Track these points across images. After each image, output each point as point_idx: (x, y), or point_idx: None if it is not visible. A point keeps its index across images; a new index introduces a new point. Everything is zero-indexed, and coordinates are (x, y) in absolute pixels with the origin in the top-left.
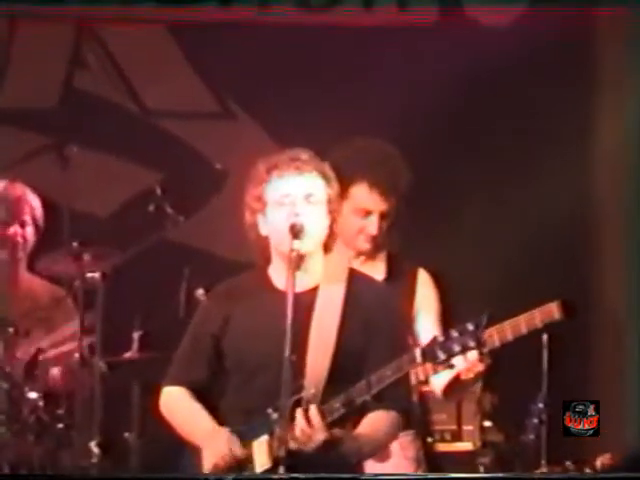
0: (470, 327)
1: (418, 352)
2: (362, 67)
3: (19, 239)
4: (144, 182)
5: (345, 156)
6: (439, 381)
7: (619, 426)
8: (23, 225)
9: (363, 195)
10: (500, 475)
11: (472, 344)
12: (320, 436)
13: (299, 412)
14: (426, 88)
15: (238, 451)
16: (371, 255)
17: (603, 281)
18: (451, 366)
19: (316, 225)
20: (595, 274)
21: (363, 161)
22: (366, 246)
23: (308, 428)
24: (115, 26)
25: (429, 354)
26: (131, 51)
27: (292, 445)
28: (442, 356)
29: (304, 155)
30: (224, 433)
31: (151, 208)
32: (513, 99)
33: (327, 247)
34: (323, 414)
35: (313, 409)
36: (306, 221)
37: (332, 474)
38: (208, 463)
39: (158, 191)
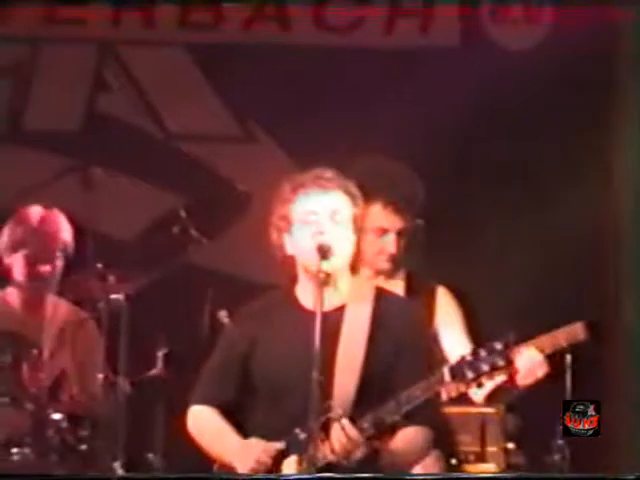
0: (498, 346)
1: (447, 371)
2: (381, 88)
3: (48, 274)
4: (168, 205)
5: (360, 176)
6: (479, 392)
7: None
8: (53, 260)
9: (379, 214)
10: (504, 475)
11: (501, 363)
12: (359, 450)
13: (336, 428)
14: (444, 110)
15: (272, 451)
16: (390, 274)
17: (621, 302)
18: (480, 385)
19: (342, 243)
20: (614, 295)
21: (377, 180)
22: (386, 265)
23: (348, 443)
24: (136, 48)
25: (458, 373)
26: (153, 73)
27: (331, 458)
28: (470, 375)
29: (328, 173)
30: (254, 441)
31: (175, 230)
32: (530, 119)
33: (354, 266)
34: (361, 429)
35: (348, 425)
36: (332, 239)
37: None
38: (248, 471)
39: (182, 213)
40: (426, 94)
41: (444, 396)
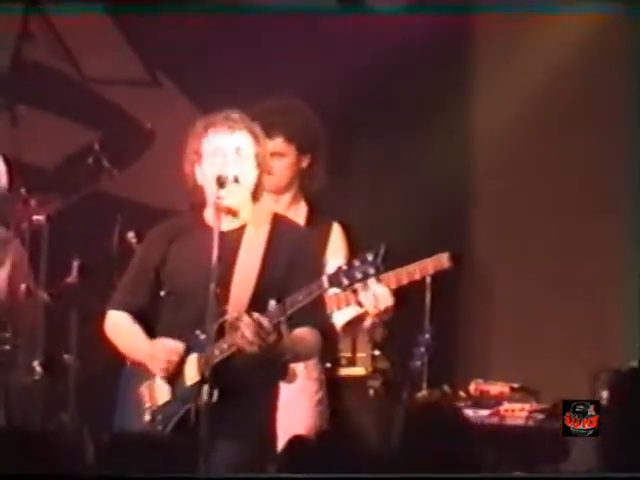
0: (370, 257)
1: (325, 279)
2: (276, 43)
3: None
4: (84, 139)
5: (262, 114)
6: (341, 317)
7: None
8: None
9: (280, 144)
10: (503, 475)
11: (372, 271)
12: (272, 336)
13: (250, 321)
14: (333, 63)
15: (179, 349)
16: (295, 199)
17: (475, 236)
18: (354, 290)
19: (244, 174)
20: (469, 229)
21: (278, 116)
22: (284, 187)
23: (261, 330)
24: (59, 4)
25: (334, 281)
26: (74, 26)
27: (248, 348)
28: (345, 282)
29: (235, 115)
30: (160, 342)
31: (90, 161)
32: (406, 79)
33: (255, 196)
34: (270, 319)
35: (261, 316)
36: (235, 171)
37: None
38: (157, 371)
39: (96, 147)
40: (309, 46)
41: (334, 308)
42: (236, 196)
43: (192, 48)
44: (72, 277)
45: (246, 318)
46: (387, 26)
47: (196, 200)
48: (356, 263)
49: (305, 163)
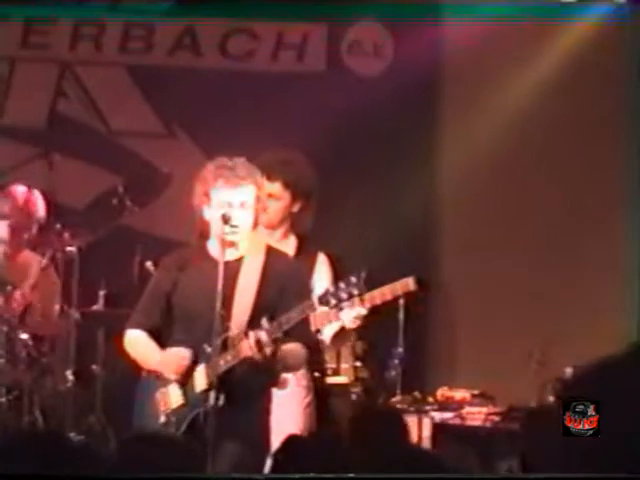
0: (353, 279)
1: (315, 299)
2: (269, 101)
3: (25, 237)
4: (109, 183)
5: (265, 162)
6: (328, 332)
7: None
8: (30, 228)
9: (277, 188)
10: (500, 476)
11: (355, 292)
12: (269, 348)
13: (252, 335)
14: (319, 116)
15: (187, 356)
16: (285, 234)
17: (442, 263)
18: (341, 309)
19: (246, 222)
20: (436, 257)
21: (277, 165)
22: (278, 225)
23: (262, 343)
24: (88, 66)
25: (323, 300)
26: (99, 85)
27: (230, 365)
28: (333, 302)
29: (242, 171)
30: (171, 350)
31: (115, 201)
32: (380, 128)
33: (252, 228)
34: (269, 334)
35: (262, 333)
36: (240, 222)
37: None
38: (170, 376)
39: (120, 189)
40: (302, 104)
41: (314, 326)
42: (237, 237)
43: (202, 104)
44: (99, 305)
45: (250, 334)
46: (366, 86)
47: (201, 231)
48: (342, 285)
49: (296, 208)
